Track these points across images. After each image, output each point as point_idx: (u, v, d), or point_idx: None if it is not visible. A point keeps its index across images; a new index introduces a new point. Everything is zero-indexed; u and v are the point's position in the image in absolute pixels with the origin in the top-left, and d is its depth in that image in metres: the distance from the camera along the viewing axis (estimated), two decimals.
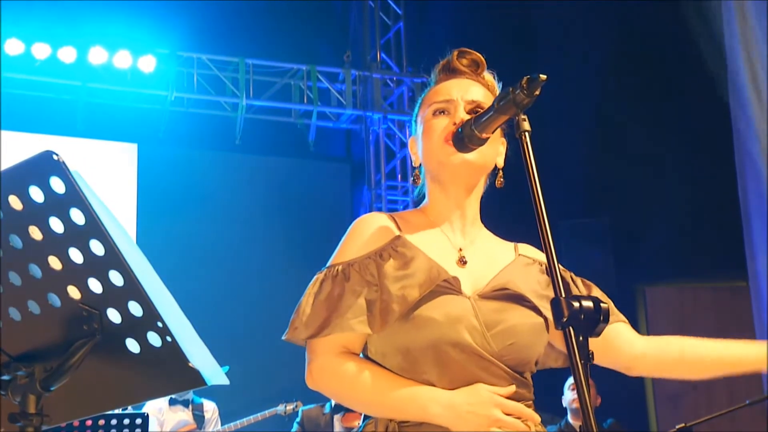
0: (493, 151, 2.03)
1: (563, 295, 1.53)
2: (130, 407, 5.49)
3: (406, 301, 1.86)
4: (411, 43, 9.74)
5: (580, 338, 1.52)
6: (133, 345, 1.39)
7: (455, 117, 1.97)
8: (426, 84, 2.14)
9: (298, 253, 8.60)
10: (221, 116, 9.15)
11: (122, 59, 8.47)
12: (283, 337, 1.93)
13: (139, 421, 4.35)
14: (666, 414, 8.56)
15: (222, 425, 6.76)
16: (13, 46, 8.15)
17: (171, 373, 1.38)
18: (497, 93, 2.06)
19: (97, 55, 8.39)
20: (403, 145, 9.60)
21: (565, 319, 1.52)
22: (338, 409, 6.17)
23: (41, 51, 8.25)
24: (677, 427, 4.86)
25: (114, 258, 1.34)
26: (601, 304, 1.53)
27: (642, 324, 8.54)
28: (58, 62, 8.33)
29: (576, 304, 1.52)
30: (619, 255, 8.33)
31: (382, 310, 1.87)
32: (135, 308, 1.37)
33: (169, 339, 1.36)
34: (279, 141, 9.43)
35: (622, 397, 7.11)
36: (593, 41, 7.84)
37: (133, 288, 1.35)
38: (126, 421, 4.31)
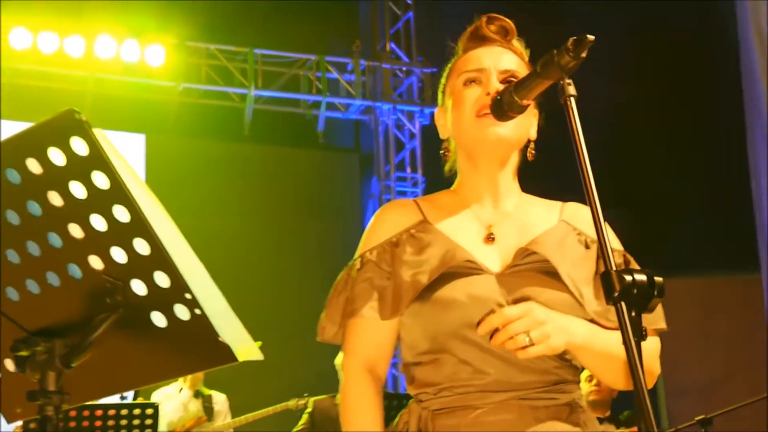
0: (528, 122, 1.93)
1: (613, 268, 1.44)
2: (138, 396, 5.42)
3: (415, 288, 1.81)
4: (421, 32, 9.66)
5: (633, 314, 1.42)
6: (159, 319, 1.31)
7: (488, 87, 1.87)
8: (443, 63, 2.05)
9: (308, 245, 8.54)
10: (230, 107, 9.11)
11: (130, 49, 8.41)
12: (317, 338, 1.95)
13: (149, 411, 4.28)
14: (675, 408, 8.49)
15: (231, 418, 6.70)
16: (20, 37, 8.09)
17: (200, 349, 1.31)
18: (527, 61, 1.97)
19: (105, 46, 8.33)
20: (413, 136, 9.53)
21: (616, 294, 1.42)
22: None
23: (48, 41, 8.18)
24: (696, 418, 4.79)
25: (139, 225, 1.26)
26: (656, 278, 1.43)
27: None
28: (65, 53, 8.27)
29: (628, 278, 1.42)
30: (634, 248, 8.25)
31: (394, 297, 1.83)
32: (161, 279, 1.28)
33: (197, 312, 1.28)
34: (288, 131, 9.39)
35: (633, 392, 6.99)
36: (611, 35, 7.73)
37: (160, 257, 1.27)
38: (136, 411, 4.23)
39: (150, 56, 8.49)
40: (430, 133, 9.43)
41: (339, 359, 6.09)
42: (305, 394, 6.55)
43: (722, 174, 7.83)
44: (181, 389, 6.62)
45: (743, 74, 7.48)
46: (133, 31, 8.45)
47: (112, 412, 4.20)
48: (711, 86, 7.66)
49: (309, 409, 6.14)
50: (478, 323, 1.74)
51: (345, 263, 1.94)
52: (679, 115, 8.19)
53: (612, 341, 1.77)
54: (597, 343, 1.77)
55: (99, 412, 4.18)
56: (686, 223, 8.00)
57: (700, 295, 8.66)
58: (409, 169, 9.53)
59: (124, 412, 4.25)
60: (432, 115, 9.31)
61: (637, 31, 8.02)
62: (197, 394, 6.69)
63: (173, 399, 6.59)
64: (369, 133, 9.68)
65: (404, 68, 9.64)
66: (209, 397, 6.72)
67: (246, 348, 1.30)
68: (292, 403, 6.55)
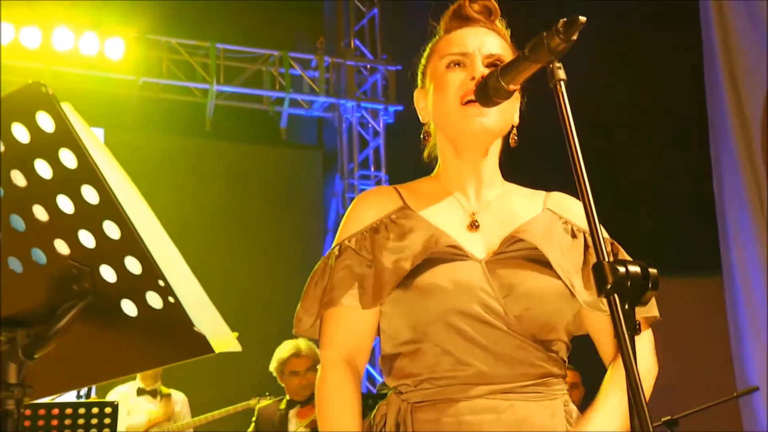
0: (513, 107, 1.87)
1: (605, 259, 1.38)
2: (92, 395, 5.30)
3: (397, 275, 1.75)
4: (385, 30, 9.60)
5: (626, 307, 1.36)
6: (129, 307, 1.23)
7: (473, 71, 1.81)
8: (435, 35, 1.97)
9: (269, 242, 8.43)
10: (191, 102, 8.97)
11: (89, 42, 8.25)
12: (293, 331, 1.88)
13: (108, 410, 4.16)
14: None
15: (191, 417, 6.58)
16: None
17: (173, 339, 1.23)
18: (510, 43, 1.91)
19: (63, 37, 8.15)
20: (377, 134, 9.47)
21: (608, 286, 1.36)
22: (293, 404, 5.97)
23: (4, 32, 7.99)
24: (663, 419, 4.78)
25: (110, 207, 1.18)
26: (650, 269, 1.37)
27: None
28: (21, 44, 8.08)
29: (621, 269, 1.36)
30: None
31: (375, 284, 1.77)
32: (133, 265, 1.20)
33: (171, 300, 1.20)
34: (250, 128, 9.28)
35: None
36: (611, 34, 7.73)
37: (131, 242, 1.19)
38: (95, 410, 4.12)
39: (109, 49, 8.32)
40: (394, 131, 9.38)
41: (273, 366, 6.02)
42: (267, 393, 6.46)
43: (691, 176, 7.88)
44: (139, 388, 6.48)
45: (706, 76, 7.52)
46: (92, 23, 8.28)
47: (69, 410, 4.07)
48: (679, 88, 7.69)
49: (254, 417, 6.06)
50: None
51: (307, 261, 1.88)
52: (646, 118, 8.21)
53: (620, 403, 1.71)
54: (618, 422, 1.75)
55: (55, 411, 4.06)
56: (654, 225, 8.04)
57: (663, 296, 8.69)
58: (372, 168, 9.46)
59: (81, 410, 4.12)
60: (396, 113, 9.14)
61: (637, 30, 8.02)
62: (155, 393, 6.55)
63: (130, 398, 6.46)
64: (332, 131, 9.60)
65: (369, 66, 9.56)
66: (168, 396, 6.60)
67: (223, 339, 1.22)
68: (253, 402, 6.46)
